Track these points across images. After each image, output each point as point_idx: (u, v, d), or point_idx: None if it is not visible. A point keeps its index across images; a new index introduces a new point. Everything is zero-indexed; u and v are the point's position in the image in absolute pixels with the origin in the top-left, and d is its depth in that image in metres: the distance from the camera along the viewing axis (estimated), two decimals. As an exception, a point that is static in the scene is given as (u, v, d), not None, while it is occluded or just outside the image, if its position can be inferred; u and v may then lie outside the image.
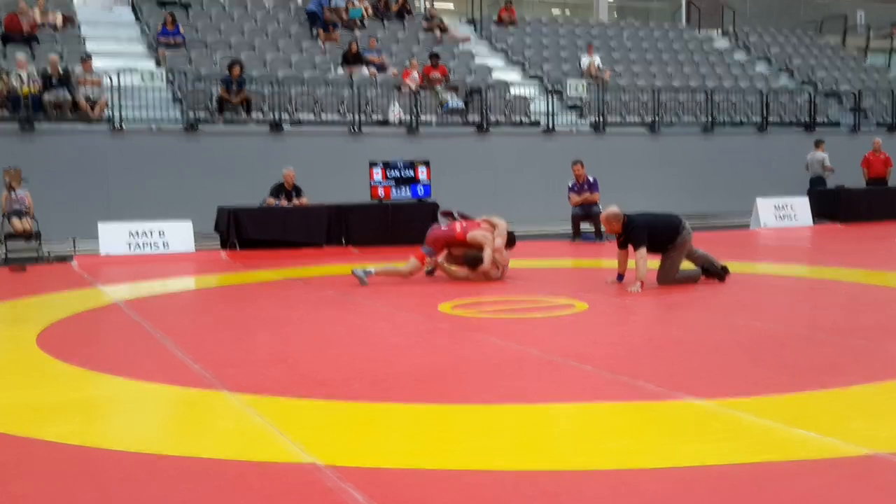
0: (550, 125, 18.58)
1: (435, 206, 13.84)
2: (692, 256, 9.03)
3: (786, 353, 5.81)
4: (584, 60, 20.88)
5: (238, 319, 7.62)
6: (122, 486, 3.55)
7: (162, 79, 15.88)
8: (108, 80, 15.44)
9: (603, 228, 11.65)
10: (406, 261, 9.74)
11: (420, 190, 14.11)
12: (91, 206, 14.15)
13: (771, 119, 20.75)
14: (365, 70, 18.22)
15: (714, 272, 9.03)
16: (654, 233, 8.66)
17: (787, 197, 17.05)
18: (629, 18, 27.09)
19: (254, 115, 16.34)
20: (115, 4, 20.63)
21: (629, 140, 19.31)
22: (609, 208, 8.99)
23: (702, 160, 19.54)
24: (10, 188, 12.60)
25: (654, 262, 8.82)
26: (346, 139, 16.76)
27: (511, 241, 9.70)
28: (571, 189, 14.45)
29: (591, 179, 14.35)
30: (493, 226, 9.57)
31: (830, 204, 17.36)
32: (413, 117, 17.29)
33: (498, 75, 20.01)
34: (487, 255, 9.35)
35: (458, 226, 9.64)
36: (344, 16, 20.20)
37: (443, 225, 9.93)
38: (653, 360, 5.65)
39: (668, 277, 8.82)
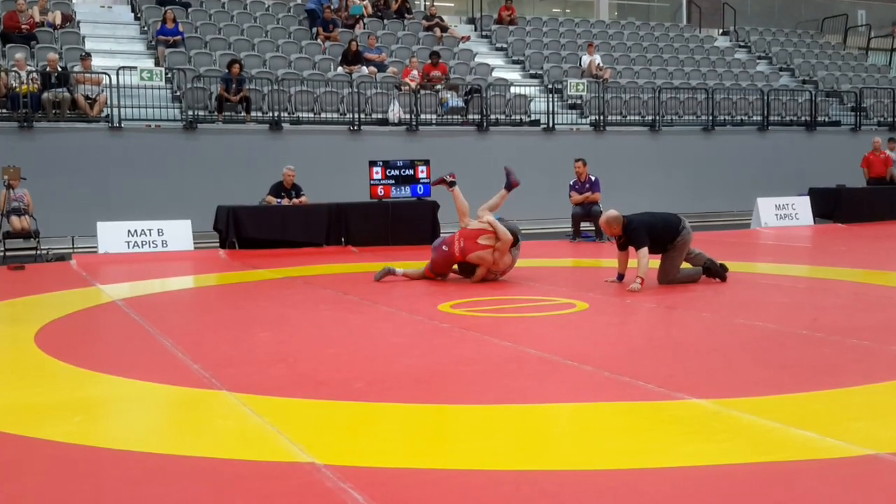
0: (551, 124, 18.56)
1: (435, 206, 13.85)
2: (689, 257, 9.02)
3: (786, 353, 5.80)
4: (585, 59, 20.87)
5: (238, 319, 7.61)
6: (121, 486, 3.54)
7: (161, 77, 15.86)
8: (108, 78, 15.43)
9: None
10: (420, 265, 9.89)
11: (420, 189, 14.10)
12: (90, 205, 14.15)
13: (772, 118, 20.74)
14: (365, 69, 18.21)
15: (715, 272, 9.02)
16: (654, 233, 8.65)
17: (788, 196, 17.05)
18: (630, 17, 27.04)
19: (253, 113, 16.33)
20: (114, 3, 20.62)
21: (629, 139, 19.29)
22: (607, 212, 8.98)
23: (702, 159, 19.54)
24: (9, 187, 12.59)
25: (654, 262, 8.81)
26: (346, 138, 16.75)
27: (515, 241, 9.63)
28: (573, 187, 14.40)
29: (592, 178, 14.31)
30: (494, 230, 9.38)
31: (831, 204, 17.35)
32: (413, 116, 17.27)
33: (498, 74, 20.00)
34: (479, 274, 9.37)
35: (456, 247, 9.42)
36: (343, 14, 20.19)
37: (442, 244, 9.64)
38: (653, 360, 5.64)
39: (668, 277, 8.82)
